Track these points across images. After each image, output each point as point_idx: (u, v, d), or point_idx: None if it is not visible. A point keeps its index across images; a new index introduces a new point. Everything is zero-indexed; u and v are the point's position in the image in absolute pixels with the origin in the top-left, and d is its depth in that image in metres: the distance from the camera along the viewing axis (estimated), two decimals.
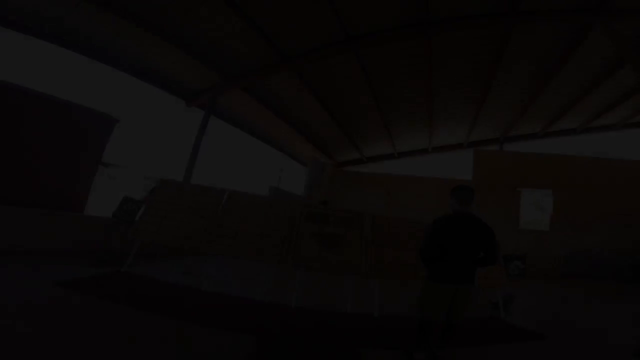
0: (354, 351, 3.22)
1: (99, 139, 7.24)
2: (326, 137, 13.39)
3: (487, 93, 10.44)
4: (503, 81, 10.06)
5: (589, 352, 3.62)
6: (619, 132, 13.96)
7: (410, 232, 5.10)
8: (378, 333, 3.78)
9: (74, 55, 7.54)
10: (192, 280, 4.87)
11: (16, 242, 4.95)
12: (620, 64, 8.96)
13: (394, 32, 7.62)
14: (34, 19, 6.60)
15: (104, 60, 7.88)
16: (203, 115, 9.04)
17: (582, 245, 10.97)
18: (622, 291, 8.38)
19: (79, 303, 3.38)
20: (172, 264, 5.77)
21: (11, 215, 5.11)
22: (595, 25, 7.47)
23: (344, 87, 9.94)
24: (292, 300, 4.32)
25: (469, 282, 2.80)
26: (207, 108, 9.00)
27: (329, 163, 14.84)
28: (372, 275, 4.63)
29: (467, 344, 3.46)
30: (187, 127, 9.87)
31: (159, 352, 2.61)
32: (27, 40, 6.80)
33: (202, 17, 7.02)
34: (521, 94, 11.08)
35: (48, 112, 6.32)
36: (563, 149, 13.96)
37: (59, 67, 7.98)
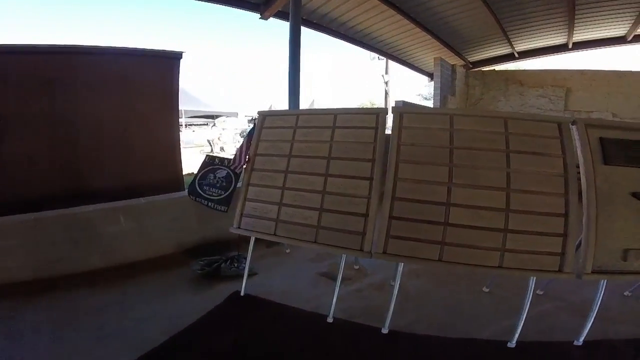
0: None
1: (171, 83, 5.22)
2: (461, 29, 9.10)
3: None
4: None
5: None
6: None
7: None
8: None
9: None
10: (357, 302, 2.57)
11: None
12: None
13: None
14: None
15: None
16: (290, 23, 6.21)
17: None
18: None
19: None
20: (302, 257, 3.59)
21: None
22: None
23: None
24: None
25: None
26: (289, 7, 6.12)
27: (458, 65, 10.71)
28: None
29: None
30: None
31: None
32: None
33: None
34: None
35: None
36: None
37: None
